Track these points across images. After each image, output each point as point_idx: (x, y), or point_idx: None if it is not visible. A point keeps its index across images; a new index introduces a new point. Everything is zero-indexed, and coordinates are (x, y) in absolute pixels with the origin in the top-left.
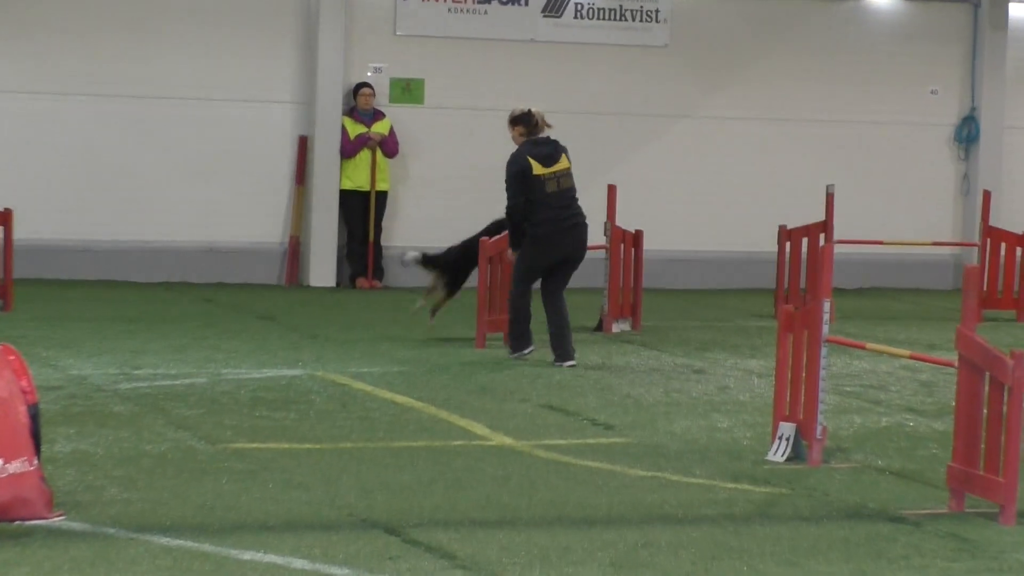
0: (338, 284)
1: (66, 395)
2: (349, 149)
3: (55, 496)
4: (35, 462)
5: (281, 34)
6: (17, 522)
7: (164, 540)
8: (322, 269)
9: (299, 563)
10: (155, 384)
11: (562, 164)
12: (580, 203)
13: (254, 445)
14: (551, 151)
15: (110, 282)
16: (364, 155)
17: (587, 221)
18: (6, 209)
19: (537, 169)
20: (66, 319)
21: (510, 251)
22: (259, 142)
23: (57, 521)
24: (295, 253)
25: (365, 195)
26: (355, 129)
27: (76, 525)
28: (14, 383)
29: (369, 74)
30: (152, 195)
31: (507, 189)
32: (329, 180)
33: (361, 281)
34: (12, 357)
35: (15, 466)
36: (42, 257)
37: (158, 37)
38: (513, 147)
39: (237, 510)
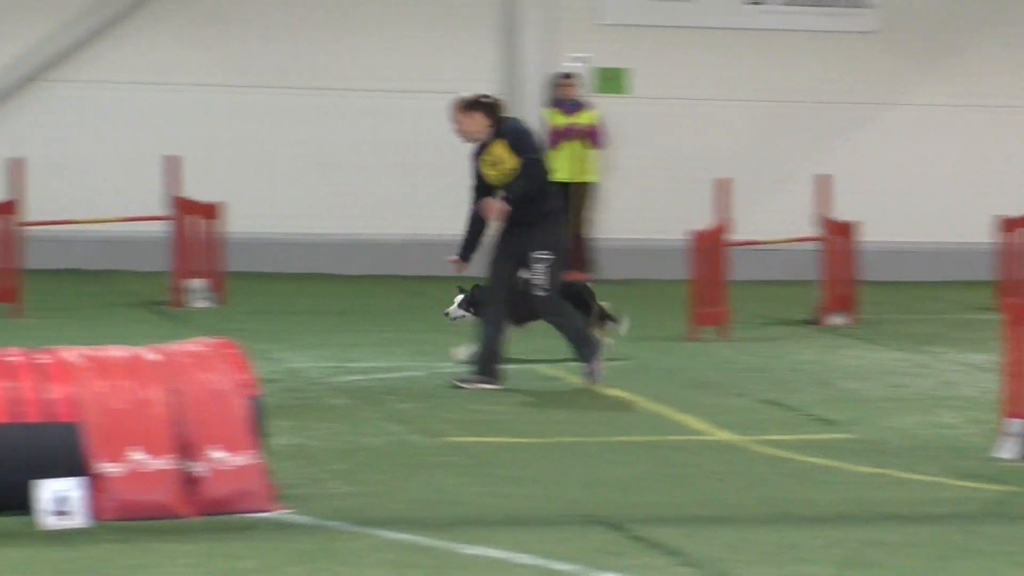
0: None
1: (283, 388)
2: (551, 140)
3: (277, 489)
4: (258, 455)
5: (481, 24)
6: (242, 514)
7: (387, 534)
8: None
9: (523, 558)
10: (370, 377)
11: None
12: (785, 193)
13: (472, 439)
14: None
15: (319, 275)
16: (567, 146)
17: None
18: (218, 203)
19: None
20: (279, 312)
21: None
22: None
23: (280, 514)
24: None
25: (570, 186)
26: (557, 120)
27: (299, 518)
28: (235, 376)
29: (571, 64)
30: (359, 188)
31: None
32: None
33: (567, 274)
34: (232, 350)
35: (238, 459)
36: (253, 250)
37: (360, 30)
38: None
39: (459, 504)
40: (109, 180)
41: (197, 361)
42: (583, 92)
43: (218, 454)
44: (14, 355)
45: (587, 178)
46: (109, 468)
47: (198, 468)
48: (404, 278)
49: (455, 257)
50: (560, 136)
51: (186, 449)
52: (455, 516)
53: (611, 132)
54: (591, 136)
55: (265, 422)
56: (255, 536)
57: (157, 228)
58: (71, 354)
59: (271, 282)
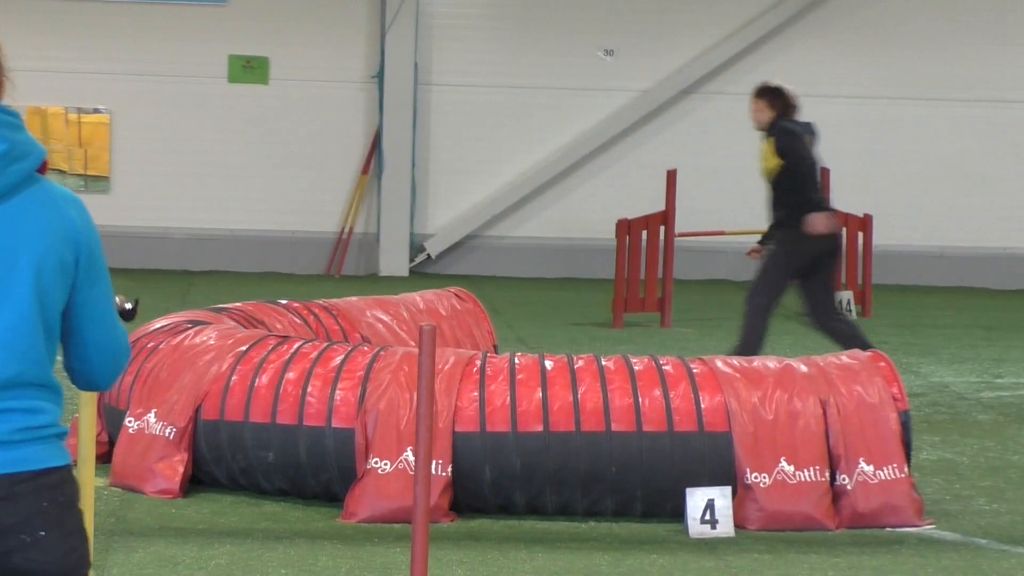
0: None
1: (928, 402)
2: None
3: (924, 504)
4: (905, 469)
5: None
6: (888, 529)
7: None
8: None
9: None
10: (1017, 394)
11: None
12: None
13: None
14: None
15: (967, 288)
16: None
17: None
18: (865, 215)
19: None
20: (923, 325)
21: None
22: None
23: (927, 529)
24: None
25: None
26: None
27: (946, 534)
28: (885, 390)
29: None
30: (1008, 200)
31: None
32: None
33: None
34: (883, 364)
35: (886, 472)
36: (899, 262)
37: (1016, 39)
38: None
39: None
40: (759, 191)
41: (848, 374)
42: None
43: (867, 467)
44: (667, 364)
45: None
46: (757, 478)
47: (845, 481)
48: None
49: None
50: None
51: (835, 461)
52: None
53: None
54: None
55: (913, 437)
56: (902, 551)
57: None
58: (722, 364)
59: (917, 295)
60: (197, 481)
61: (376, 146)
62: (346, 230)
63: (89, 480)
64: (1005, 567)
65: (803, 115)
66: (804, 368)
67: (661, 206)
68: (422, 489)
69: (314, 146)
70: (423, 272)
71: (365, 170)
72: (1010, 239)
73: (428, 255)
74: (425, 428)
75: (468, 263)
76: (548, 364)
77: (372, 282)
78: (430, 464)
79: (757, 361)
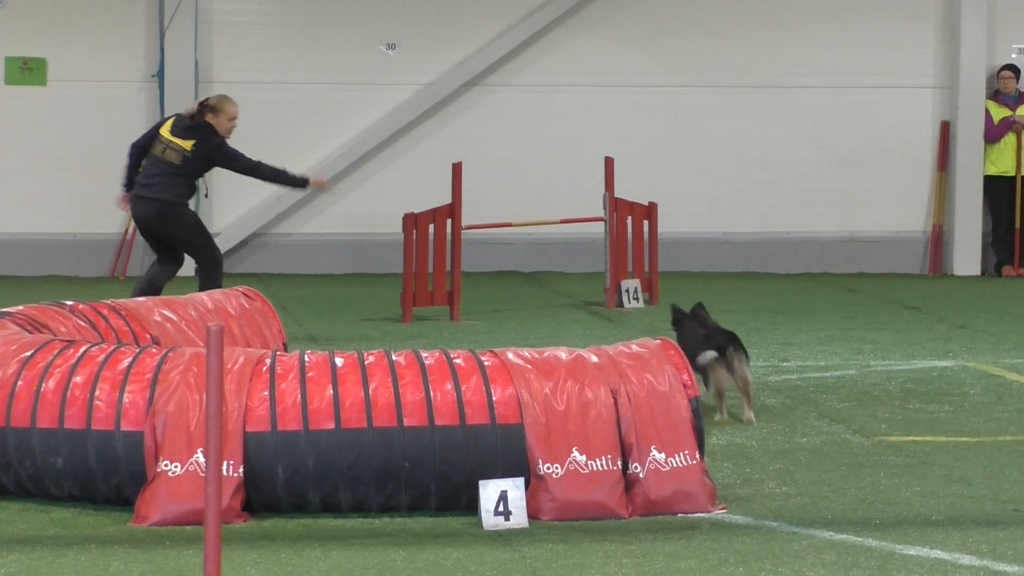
0: (983, 272)
1: None
2: (993, 134)
3: (716, 490)
4: (697, 456)
5: (922, 17)
6: (680, 515)
7: (826, 534)
8: (967, 257)
9: (966, 559)
10: (804, 376)
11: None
12: None
13: (909, 438)
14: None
15: (750, 274)
16: (1009, 140)
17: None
18: (651, 203)
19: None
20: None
21: None
22: (900, 129)
23: (719, 515)
24: (938, 241)
25: (1011, 180)
26: (999, 113)
27: (738, 518)
28: (675, 377)
29: (1013, 56)
30: (791, 185)
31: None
32: (972, 166)
33: (1007, 270)
34: (672, 352)
35: (678, 460)
36: (684, 249)
37: (794, 26)
38: None
39: (898, 505)
40: (547, 182)
41: (638, 362)
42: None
43: (659, 455)
44: (458, 357)
45: None
46: (550, 468)
47: (637, 469)
48: (837, 276)
49: None
50: (1002, 129)
51: (627, 450)
52: (893, 516)
53: None
54: None
55: (704, 423)
56: (695, 536)
57: (593, 229)
58: (513, 356)
59: (702, 281)
60: None
61: None
62: (129, 231)
63: None
64: (796, 548)
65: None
66: (595, 358)
67: (448, 199)
68: (213, 490)
69: (95, 147)
70: None
71: None
72: (793, 224)
73: None
74: (215, 429)
75: (255, 261)
76: (339, 361)
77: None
78: (221, 465)
79: (548, 352)
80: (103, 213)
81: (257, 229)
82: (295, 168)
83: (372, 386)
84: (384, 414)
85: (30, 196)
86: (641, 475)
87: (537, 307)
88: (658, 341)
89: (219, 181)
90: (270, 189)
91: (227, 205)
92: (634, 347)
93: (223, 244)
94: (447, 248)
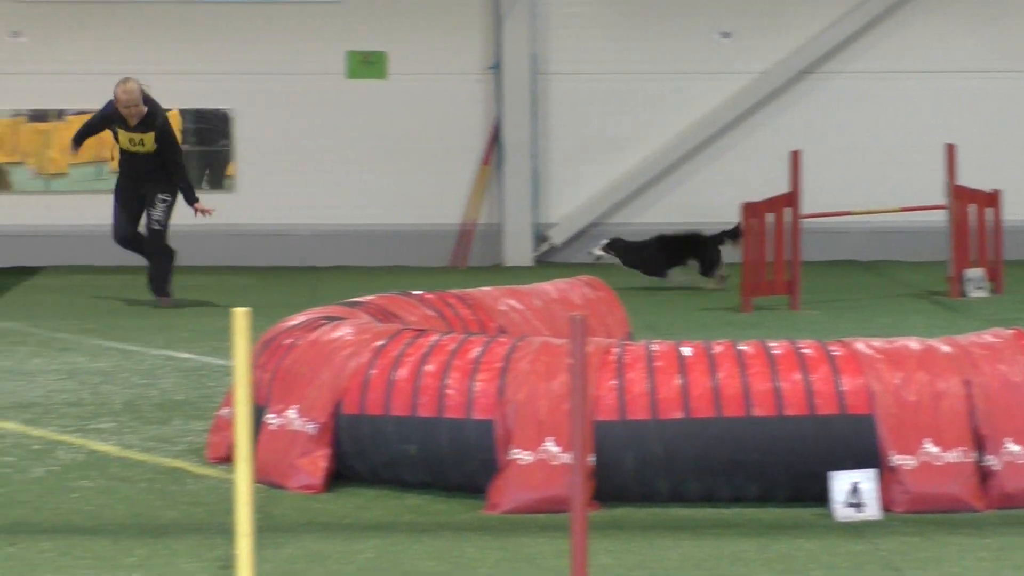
0: None
1: None
2: None
3: None
4: None
5: None
6: None
7: None
8: None
9: None
10: None
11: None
12: None
13: None
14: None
15: None
16: None
17: None
18: (994, 191)
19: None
20: None
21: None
22: None
23: None
24: None
25: None
26: None
27: None
28: None
29: None
30: None
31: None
32: None
33: None
34: None
35: None
36: None
37: None
38: None
39: None
40: (885, 170)
41: (991, 353)
42: None
43: (1014, 447)
44: (807, 347)
45: None
46: (902, 460)
47: (992, 461)
48: None
49: None
50: None
51: (980, 442)
52: None
53: None
54: None
55: None
56: None
57: (933, 217)
58: (863, 346)
59: None
60: (338, 476)
61: (496, 137)
62: (470, 221)
63: (246, 478)
64: None
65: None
66: (946, 348)
67: (781, 189)
68: (578, 478)
69: (433, 139)
70: (549, 261)
71: (486, 161)
72: None
73: (552, 244)
74: (578, 418)
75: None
76: (686, 351)
77: (497, 272)
78: (586, 453)
79: (898, 342)
80: (442, 204)
81: (594, 219)
82: (629, 159)
83: (720, 376)
84: (732, 404)
85: (371, 188)
86: (996, 468)
87: (877, 296)
88: (1012, 331)
89: (554, 172)
90: (606, 179)
91: (563, 196)
92: (987, 337)
93: (560, 235)
94: (785, 237)
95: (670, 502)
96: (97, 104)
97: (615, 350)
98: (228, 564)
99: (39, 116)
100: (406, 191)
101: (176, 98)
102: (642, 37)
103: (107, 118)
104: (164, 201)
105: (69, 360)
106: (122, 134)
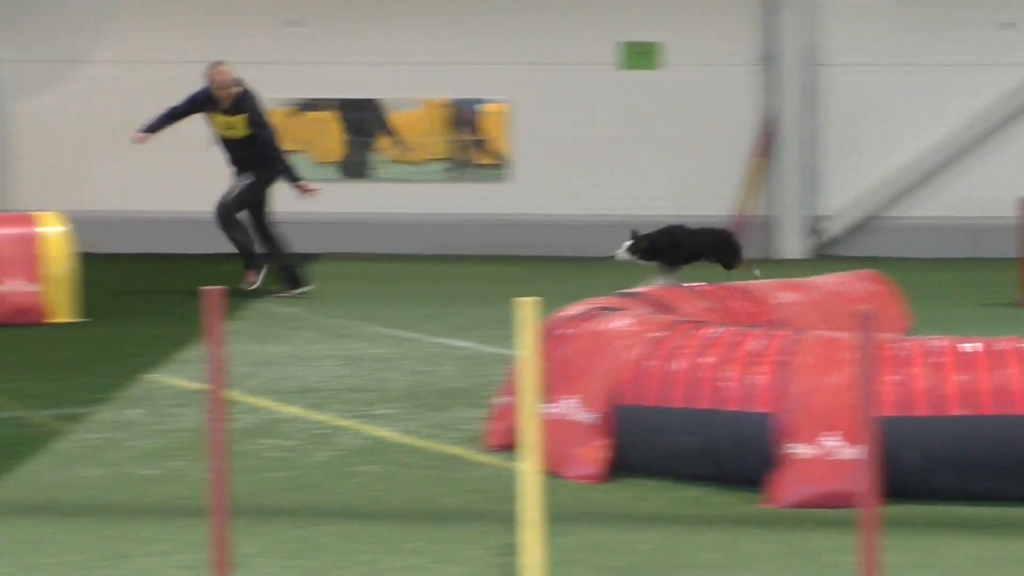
0: None
1: None
2: None
3: None
4: None
5: None
6: None
7: None
8: None
9: None
10: None
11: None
12: None
13: None
14: None
15: None
16: None
17: None
18: None
19: None
20: None
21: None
22: None
23: None
24: None
25: None
26: None
27: None
28: None
29: None
30: None
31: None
32: None
33: None
34: None
35: None
36: None
37: None
38: None
39: None
40: None
41: None
42: None
43: None
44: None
45: None
46: None
47: None
48: None
49: None
50: None
51: None
52: None
53: None
54: None
55: None
56: None
57: None
58: None
59: None
60: (614, 466)
61: (767, 129)
62: (742, 213)
63: (534, 468)
64: None
65: None
66: None
67: None
68: (867, 474)
69: (703, 131)
70: (825, 255)
71: (762, 153)
72: None
73: (826, 237)
74: (867, 413)
75: (866, 244)
76: (967, 347)
77: (772, 265)
78: (875, 450)
79: None
80: (713, 195)
81: (869, 212)
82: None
83: (1004, 372)
84: (1021, 401)
85: (643, 179)
86: None
87: None
88: None
89: (828, 164)
90: (881, 172)
91: (836, 189)
92: None
93: (834, 228)
94: None
95: (953, 500)
96: (369, 94)
97: (894, 345)
98: (509, 552)
99: (310, 106)
100: (676, 182)
101: (451, 88)
102: (918, 28)
103: (197, 104)
104: (246, 181)
105: (349, 346)
106: (216, 119)
